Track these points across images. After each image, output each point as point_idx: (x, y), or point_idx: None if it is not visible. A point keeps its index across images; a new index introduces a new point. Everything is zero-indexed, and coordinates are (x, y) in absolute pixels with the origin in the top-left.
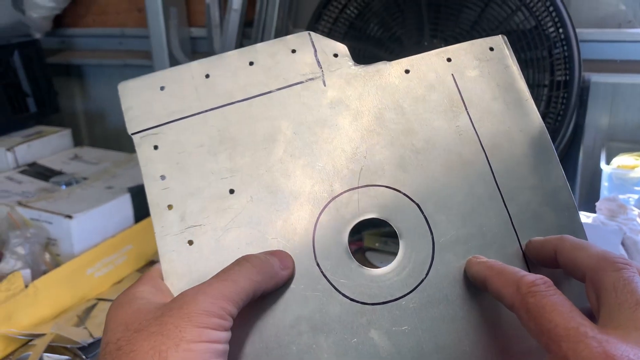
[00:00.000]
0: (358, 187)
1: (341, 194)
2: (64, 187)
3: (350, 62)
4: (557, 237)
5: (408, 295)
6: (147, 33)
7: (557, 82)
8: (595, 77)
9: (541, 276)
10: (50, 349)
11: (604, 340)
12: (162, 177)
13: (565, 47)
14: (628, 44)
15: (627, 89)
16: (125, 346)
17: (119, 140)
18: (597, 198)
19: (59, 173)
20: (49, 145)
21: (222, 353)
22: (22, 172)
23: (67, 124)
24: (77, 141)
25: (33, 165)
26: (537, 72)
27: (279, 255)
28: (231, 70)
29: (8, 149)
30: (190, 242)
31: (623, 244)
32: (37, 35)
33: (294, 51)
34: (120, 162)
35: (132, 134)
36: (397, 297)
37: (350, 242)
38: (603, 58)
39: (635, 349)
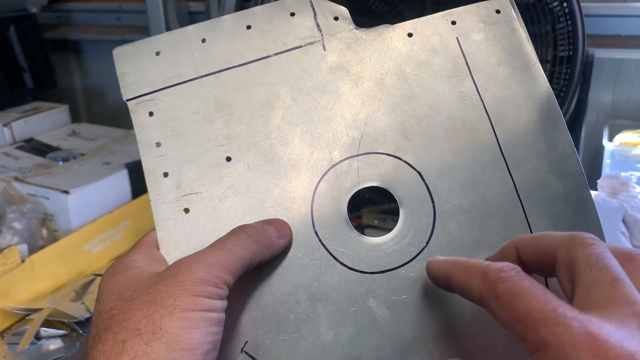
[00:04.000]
0: (358, 155)
1: (341, 161)
2: (60, 162)
3: (352, 26)
4: (514, 239)
5: (408, 264)
6: (144, 8)
7: (560, 58)
8: (600, 53)
9: (508, 263)
10: (48, 323)
11: (585, 320)
12: (158, 144)
13: (569, 22)
14: (634, 19)
15: (631, 64)
16: (118, 315)
17: (118, 117)
18: (599, 175)
19: (56, 149)
20: (46, 121)
21: (217, 322)
22: (19, 147)
23: (65, 100)
24: (75, 118)
25: (30, 141)
26: (540, 47)
27: (276, 224)
28: (228, 34)
29: (4, 125)
30: (187, 210)
31: (624, 221)
32: (33, 10)
33: (292, 14)
34: (118, 139)
35: (127, 100)
36: (397, 265)
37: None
38: (608, 33)
39: (620, 328)
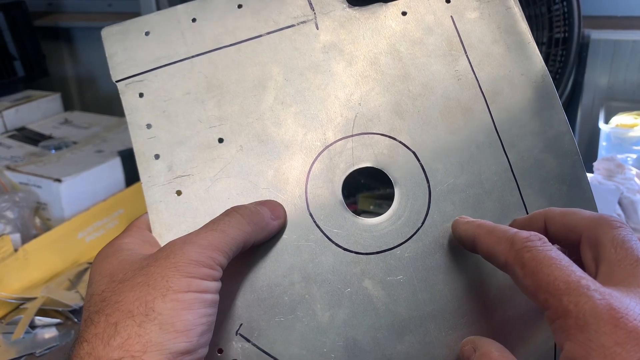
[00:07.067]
0: (352, 135)
1: (335, 142)
2: (53, 151)
3: (345, 4)
4: (544, 209)
5: (403, 245)
6: None
7: (556, 39)
8: (595, 34)
9: (535, 232)
10: (42, 312)
11: (607, 293)
12: (148, 126)
13: (564, 3)
14: (629, 0)
15: (627, 46)
16: (110, 297)
17: (110, 105)
18: (595, 158)
19: (49, 137)
20: (38, 110)
21: (211, 303)
22: (11, 136)
23: (57, 88)
24: (68, 106)
25: (22, 129)
26: (536, 29)
27: (270, 205)
28: (219, 13)
29: None
30: (179, 193)
31: (620, 203)
32: None
33: None
34: (111, 126)
35: (117, 81)
36: (392, 246)
37: None
38: (603, 14)
39: None
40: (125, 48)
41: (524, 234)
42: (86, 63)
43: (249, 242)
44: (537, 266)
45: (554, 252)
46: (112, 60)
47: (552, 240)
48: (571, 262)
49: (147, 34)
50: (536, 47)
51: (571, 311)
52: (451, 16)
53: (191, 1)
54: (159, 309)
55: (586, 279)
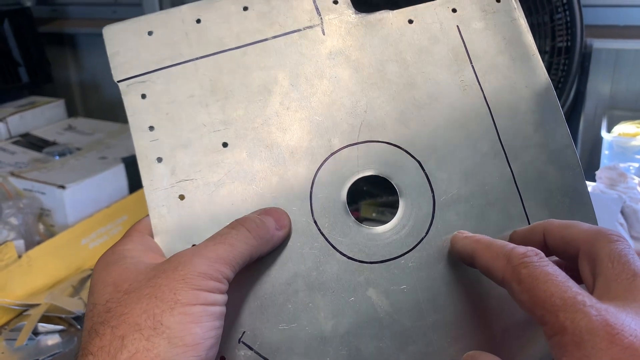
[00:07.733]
0: (358, 143)
1: (340, 149)
2: (57, 157)
3: (351, 10)
4: (544, 221)
5: (407, 254)
6: (140, 0)
7: (558, 48)
8: (598, 43)
9: (532, 248)
10: (45, 319)
11: (603, 309)
12: (151, 128)
13: (567, 12)
14: (632, 9)
15: (630, 55)
16: (115, 308)
17: (114, 111)
18: (597, 166)
19: (53, 143)
20: (42, 116)
21: (219, 316)
22: (15, 142)
23: (61, 94)
24: (72, 112)
25: (26, 135)
26: (538, 38)
27: (275, 214)
28: (224, 15)
29: (0, 120)
30: (182, 197)
31: (622, 212)
32: (28, 3)
33: None
34: (114, 133)
35: (119, 81)
36: (396, 255)
37: None
38: (606, 23)
39: (636, 319)
40: (127, 47)
41: (521, 249)
42: (90, 69)
43: (255, 256)
44: (534, 282)
45: (551, 268)
46: (113, 60)
47: (551, 253)
48: (567, 277)
49: (150, 33)
50: (540, 59)
51: (567, 327)
52: (457, 26)
53: (196, 1)
54: (167, 323)
55: (582, 295)
